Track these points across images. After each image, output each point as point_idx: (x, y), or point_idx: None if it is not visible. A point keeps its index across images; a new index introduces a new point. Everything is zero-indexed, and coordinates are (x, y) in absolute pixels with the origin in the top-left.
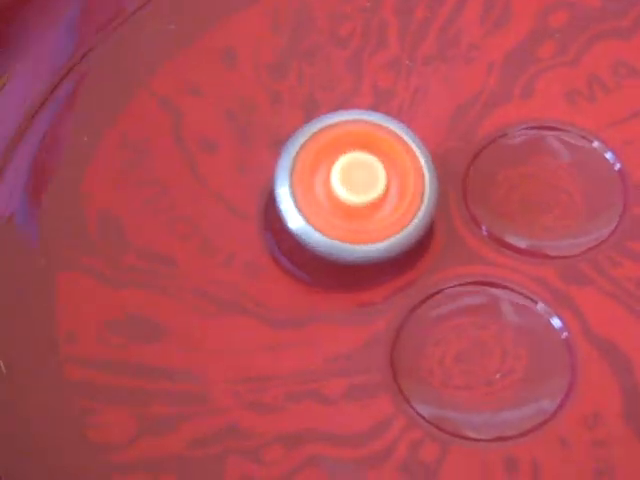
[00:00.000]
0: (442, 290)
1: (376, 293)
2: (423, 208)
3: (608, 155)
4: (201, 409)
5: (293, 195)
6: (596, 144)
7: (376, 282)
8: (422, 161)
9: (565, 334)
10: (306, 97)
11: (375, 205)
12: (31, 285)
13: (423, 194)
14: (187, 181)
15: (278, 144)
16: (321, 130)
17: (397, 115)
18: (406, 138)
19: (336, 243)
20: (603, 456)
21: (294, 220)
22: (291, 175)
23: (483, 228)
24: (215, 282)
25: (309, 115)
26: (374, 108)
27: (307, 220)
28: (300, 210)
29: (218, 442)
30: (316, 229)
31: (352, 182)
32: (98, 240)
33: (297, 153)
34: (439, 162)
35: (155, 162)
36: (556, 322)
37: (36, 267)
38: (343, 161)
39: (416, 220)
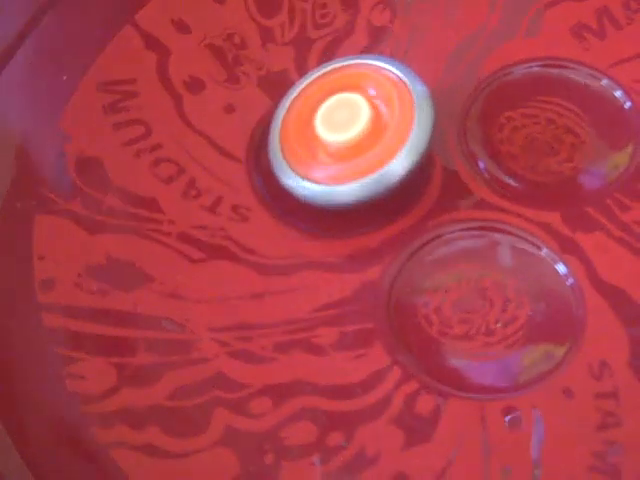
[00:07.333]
0: (441, 235)
1: (371, 238)
2: (406, 148)
3: (618, 93)
4: (185, 358)
5: (280, 141)
6: (605, 82)
7: (372, 227)
8: (415, 98)
9: (570, 281)
10: (298, 34)
11: (357, 144)
12: (7, 229)
13: (409, 133)
14: (172, 121)
15: (268, 83)
16: (314, 79)
17: (393, 54)
18: (400, 75)
19: (314, 186)
20: (609, 407)
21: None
22: (282, 124)
23: (485, 170)
24: (201, 227)
25: (301, 53)
26: (369, 47)
27: (288, 164)
28: (282, 154)
29: (203, 393)
30: (295, 171)
31: (333, 122)
32: (78, 182)
33: (290, 104)
34: (438, 102)
35: (139, 101)
36: (561, 268)
37: (12, 210)
38: (327, 103)
39: (396, 160)
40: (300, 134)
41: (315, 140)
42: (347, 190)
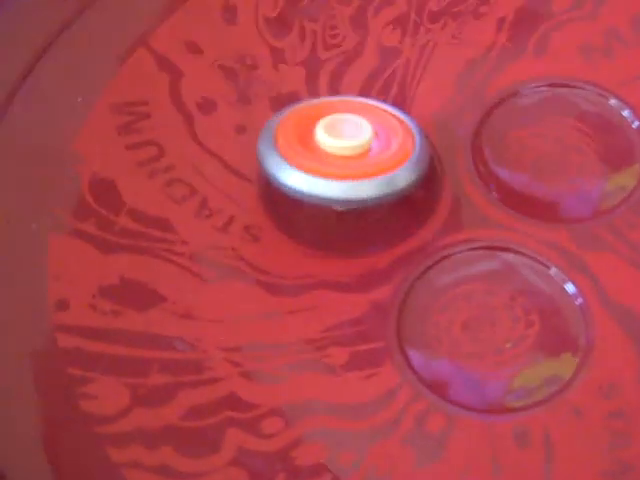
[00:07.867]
0: (450, 255)
1: (381, 258)
2: (410, 159)
3: (626, 113)
4: (198, 379)
5: (276, 148)
6: (613, 102)
7: (381, 247)
8: (411, 127)
9: (579, 300)
10: (308, 55)
11: (358, 156)
12: (22, 249)
13: (410, 153)
14: (185, 142)
15: (279, 104)
16: (303, 106)
17: (402, 74)
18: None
19: (312, 178)
20: (619, 427)
21: (273, 162)
22: (275, 134)
23: (493, 190)
24: (213, 247)
25: (311, 74)
26: (379, 67)
27: (286, 161)
28: (280, 154)
29: (215, 413)
30: (292, 166)
31: (337, 132)
32: (91, 202)
33: (280, 121)
34: (447, 122)
35: (152, 123)
36: (570, 288)
37: (27, 231)
38: (329, 118)
39: (402, 167)
40: (297, 135)
41: (318, 149)
42: (331, 187)
